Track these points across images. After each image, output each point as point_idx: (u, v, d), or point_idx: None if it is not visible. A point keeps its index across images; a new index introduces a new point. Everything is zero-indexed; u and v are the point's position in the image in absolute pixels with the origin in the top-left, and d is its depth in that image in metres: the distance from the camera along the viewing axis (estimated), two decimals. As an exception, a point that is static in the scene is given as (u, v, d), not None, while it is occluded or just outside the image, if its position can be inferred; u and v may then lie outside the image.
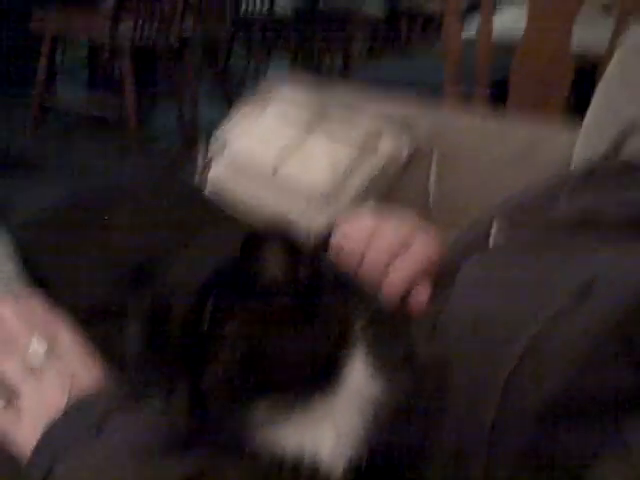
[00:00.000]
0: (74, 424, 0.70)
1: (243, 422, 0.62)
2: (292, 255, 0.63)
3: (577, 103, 2.33)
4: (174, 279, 0.64)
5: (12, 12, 3.95)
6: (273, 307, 0.62)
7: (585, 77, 2.31)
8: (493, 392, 0.70)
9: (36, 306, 0.84)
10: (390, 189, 1.49)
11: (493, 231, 0.93)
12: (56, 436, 0.70)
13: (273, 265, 0.62)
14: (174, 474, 0.64)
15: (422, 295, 0.89)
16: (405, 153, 1.51)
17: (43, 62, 3.63)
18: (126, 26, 3.55)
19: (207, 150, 1.69)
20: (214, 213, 0.96)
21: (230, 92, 4.24)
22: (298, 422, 0.63)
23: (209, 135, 1.75)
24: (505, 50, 2.47)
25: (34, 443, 0.71)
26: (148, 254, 0.68)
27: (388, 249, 0.88)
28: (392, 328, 0.70)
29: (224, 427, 0.62)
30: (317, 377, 0.63)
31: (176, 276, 0.64)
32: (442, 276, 0.91)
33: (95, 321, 0.82)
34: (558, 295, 0.73)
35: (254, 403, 0.61)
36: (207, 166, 1.61)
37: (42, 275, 0.91)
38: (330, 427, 0.65)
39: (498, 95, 2.56)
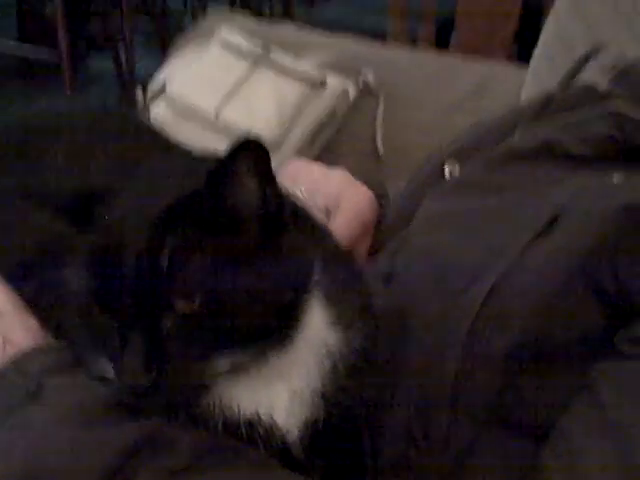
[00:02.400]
0: (9, 387, 0.65)
1: (200, 377, 0.57)
2: (261, 185, 0.57)
3: (523, 40, 2.31)
4: (125, 212, 0.57)
5: None
6: (238, 244, 0.56)
7: (532, 13, 2.28)
8: (455, 340, 0.67)
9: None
10: (338, 130, 1.44)
11: (448, 167, 0.89)
12: (-11, 401, 0.65)
13: (241, 197, 0.57)
14: (116, 442, 0.60)
15: (361, 250, 0.87)
16: (353, 92, 1.47)
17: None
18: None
19: (145, 93, 1.62)
20: (161, 143, 0.88)
21: (167, 37, 4.10)
22: (253, 379, 0.59)
23: (147, 79, 1.67)
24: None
25: None
26: (87, 190, 0.60)
27: (320, 208, 0.86)
28: (349, 274, 0.67)
29: (180, 383, 0.56)
30: (279, 324, 0.58)
31: (127, 209, 0.57)
32: (396, 216, 0.88)
33: (29, 274, 0.77)
34: (522, 231, 0.70)
35: (214, 355, 0.56)
36: (146, 108, 1.54)
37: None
38: (285, 386, 0.62)
39: (443, 33, 2.53)
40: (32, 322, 0.74)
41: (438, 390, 0.67)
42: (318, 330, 0.62)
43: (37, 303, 0.76)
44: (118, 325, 0.55)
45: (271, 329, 0.58)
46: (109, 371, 0.57)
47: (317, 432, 0.64)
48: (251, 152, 0.56)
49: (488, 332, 0.66)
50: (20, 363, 0.67)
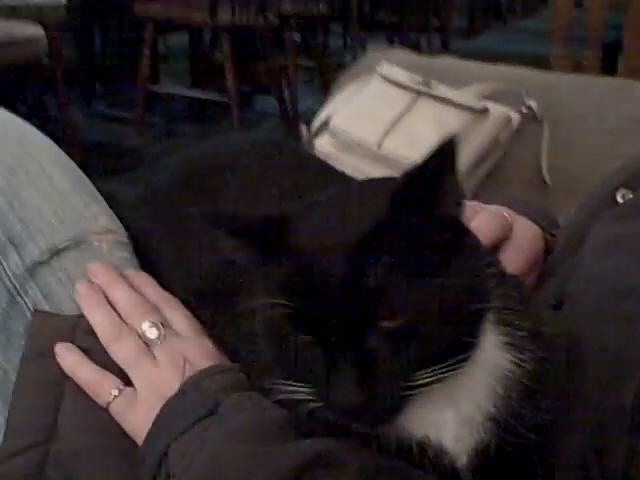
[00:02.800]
0: (189, 405, 0.69)
1: (404, 394, 0.56)
2: (458, 186, 0.56)
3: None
4: (318, 237, 0.57)
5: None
6: (435, 256, 0.55)
7: None
8: (634, 369, 0.64)
9: (148, 288, 0.84)
10: (502, 157, 1.43)
11: (620, 192, 0.86)
12: (170, 417, 0.69)
13: (442, 200, 0.56)
14: (290, 459, 0.62)
15: (529, 281, 0.85)
16: (517, 118, 1.45)
17: (147, 50, 3.69)
18: (225, 7, 3.59)
19: (309, 129, 1.67)
20: (331, 173, 0.91)
21: (328, 75, 4.22)
22: (425, 401, 0.59)
23: (310, 116, 1.72)
24: (615, 9, 2.35)
25: (149, 426, 0.70)
26: (272, 218, 0.60)
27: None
28: (519, 298, 0.66)
29: (387, 401, 0.56)
30: (464, 342, 0.57)
31: (320, 234, 0.57)
32: (566, 243, 0.86)
33: (208, 302, 0.81)
34: None
35: (415, 373, 0.55)
36: (311, 143, 1.59)
37: (154, 256, 0.90)
38: (455, 409, 0.61)
39: (610, 58, 2.44)
40: (209, 344, 0.78)
41: (615, 420, 0.64)
42: (492, 352, 0.61)
43: (214, 327, 0.80)
44: (322, 347, 0.55)
45: (460, 347, 0.57)
46: (302, 394, 0.57)
47: (487, 459, 0.63)
48: (453, 151, 0.55)
49: None
50: (199, 382, 0.71)
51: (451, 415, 0.61)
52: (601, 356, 0.67)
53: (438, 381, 0.56)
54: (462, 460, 0.63)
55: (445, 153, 0.55)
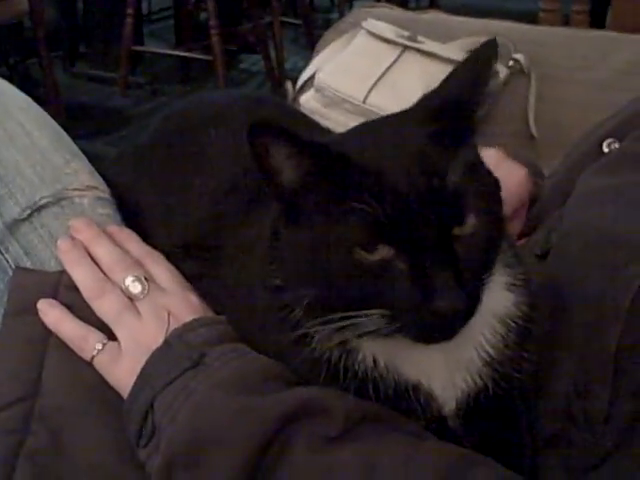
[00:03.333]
0: (173, 357, 0.69)
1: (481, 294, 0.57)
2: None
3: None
4: (384, 151, 0.57)
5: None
6: (483, 174, 0.60)
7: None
8: (616, 315, 0.64)
9: (131, 243, 0.83)
10: (488, 109, 1.41)
11: (606, 143, 0.86)
12: (155, 369, 0.69)
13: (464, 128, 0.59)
14: (274, 409, 0.62)
15: (515, 229, 0.85)
16: (504, 72, 1.43)
17: (130, 10, 3.63)
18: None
19: (294, 86, 1.66)
20: (316, 127, 0.90)
21: (314, 33, 4.17)
22: (418, 348, 0.59)
23: (296, 75, 1.71)
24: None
25: (134, 379, 0.70)
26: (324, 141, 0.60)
27: None
28: (511, 244, 0.67)
29: (477, 301, 0.56)
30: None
31: (385, 147, 0.57)
32: (552, 193, 0.85)
33: (192, 255, 0.81)
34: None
35: (491, 273, 0.58)
36: (296, 99, 1.57)
37: (137, 212, 0.89)
38: (448, 354, 0.61)
39: (598, 13, 2.42)
40: (194, 298, 0.77)
41: (598, 367, 0.64)
42: (497, 291, 0.62)
43: (200, 279, 0.79)
44: (408, 258, 0.54)
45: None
46: (372, 321, 0.55)
47: (476, 404, 0.63)
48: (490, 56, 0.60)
49: None
50: (183, 334, 0.71)
51: (444, 360, 0.62)
52: (585, 303, 0.67)
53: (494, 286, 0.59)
54: (450, 406, 0.63)
55: (483, 58, 0.59)
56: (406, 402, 0.62)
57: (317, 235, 0.57)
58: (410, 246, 0.54)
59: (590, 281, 0.68)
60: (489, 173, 0.61)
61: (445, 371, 0.62)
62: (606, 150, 0.87)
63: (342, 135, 0.65)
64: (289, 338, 0.62)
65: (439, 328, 0.55)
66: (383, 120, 0.64)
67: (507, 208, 0.84)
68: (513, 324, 0.63)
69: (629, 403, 0.63)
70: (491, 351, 0.62)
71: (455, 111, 0.58)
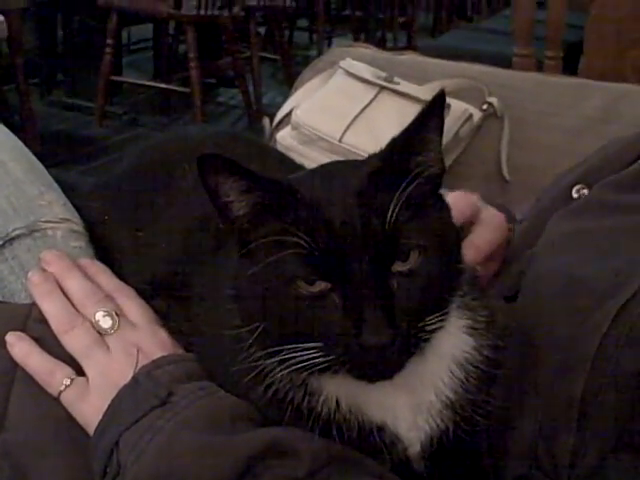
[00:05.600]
0: (141, 394, 0.68)
1: (422, 332, 0.57)
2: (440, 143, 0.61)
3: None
4: (328, 191, 0.58)
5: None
6: (430, 210, 0.60)
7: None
8: (583, 359, 0.65)
9: (103, 277, 0.83)
10: (462, 153, 1.43)
11: (576, 189, 0.87)
12: (122, 407, 0.68)
13: (429, 152, 0.60)
14: (243, 448, 0.62)
15: (490, 271, 0.86)
16: (478, 115, 1.45)
17: (110, 40, 3.64)
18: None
19: (272, 122, 1.67)
20: (290, 165, 0.91)
21: (293, 70, 4.21)
22: (382, 388, 0.59)
23: (274, 111, 1.72)
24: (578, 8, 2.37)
25: (101, 416, 0.69)
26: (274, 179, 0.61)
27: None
28: (477, 286, 0.67)
29: (410, 338, 0.56)
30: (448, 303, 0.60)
31: (329, 188, 0.59)
32: (523, 237, 0.86)
33: (163, 291, 0.80)
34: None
35: (429, 313, 0.57)
36: (273, 136, 1.58)
37: (109, 246, 0.89)
38: (410, 397, 0.62)
39: (572, 59, 2.47)
40: (164, 334, 0.77)
41: (564, 411, 0.65)
42: (456, 335, 0.63)
43: (169, 316, 0.79)
44: (342, 292, 0.55)
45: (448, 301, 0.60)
46: (309, 353, 0.56)
47: (440, 446, 0.63)
48: (441, 107, 0.60)
49: (618, 352, 0.64)
50: (152, 371, 0.70)
51: (408, 402, 0.62)
52: (553, 347, 0.68)
53: (440, 329, 0.58)
54: (415, 448, 0.63)
55: (434, 109, 0.59)
56: (371, 443, 0.62)
57: (262, 268, 0.58)
58: (345, 281, 0.55)
59: (558, 325, 0.69)
60: (445, 215, 0.63)
61: (408, 412, 0.62)
62: (575, 196, 0.89)
63: (302, 174, 0.66)
64: (253, 377, 0.62)
65: (373, 365, 0.56)
66: (345, 161, 0.66)
67: (487, 248, 0.86)
68: (473, 368, 0.63)
69: (594, 449, 0.64)
70: (451, 395, 0.62)
71: (397, 153, 0.60)
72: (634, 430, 0.63)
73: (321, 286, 0.56)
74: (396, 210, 0.56)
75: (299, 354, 0.56)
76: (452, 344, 0.63)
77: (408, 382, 0.60)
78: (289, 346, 0.56)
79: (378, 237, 0.56)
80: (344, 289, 0.56)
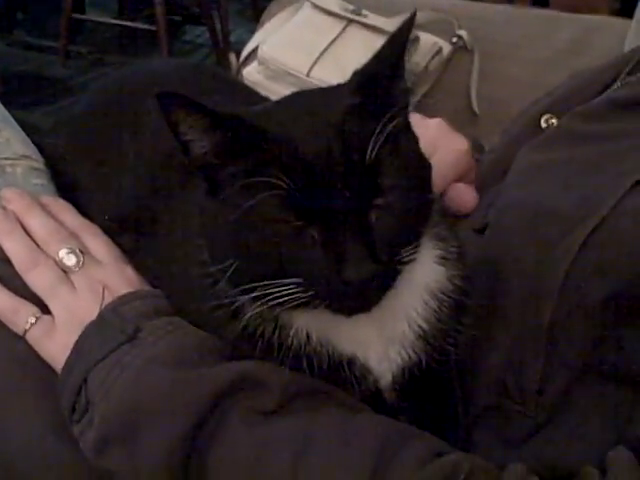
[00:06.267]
0: (107, 331, 0.67)
1: (400, 264, 0.57)
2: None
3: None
4: (302, 123, 0.56)
5: None
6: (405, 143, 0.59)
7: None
8: (550, 289, 0.65)
9: (66, 215, 0.81)
10: (431, 86, 1.42)
11: (544, 119, 0.87)
12: (89, 343, 0.68)
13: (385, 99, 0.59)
14: (210, 382, 0.61)
15: (465, 194, 0.85)
16: (448, 48, 1.44)
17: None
18: None
19: (238, 58, 1.63)
20: (255, 96, 0.89)
21: (260, 6, 4.12)
22: (351, 322, 0.59)
23: (241, 47, 1.68)
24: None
25: (68, 354, 0.68)
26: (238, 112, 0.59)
27: None
28: (445, 218, 0.67)
29: (391, 271, 0.56)
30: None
31: (303, 119, 0.57)
32: (491, 168, 0.86)
33: (128, 228, 0.79)
34: (622, 179, 0.68)
35: (406, 244, 0.57)
36: (239, 72, 1.55)
37: (72, 183, 0.87)
38: (381, 328, 0.62)
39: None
40: (130, 271, 0.76)
41: (532, 339, 0.65)
42: (429, 265, 0.63)
43: (136, 253, 0.78)
44: (321, 228, 0.55)
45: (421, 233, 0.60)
46: (289, 289, 0.55)
47: (411, 378, 0.64)
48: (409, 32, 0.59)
49: (584, 281, 0.64)
50: (118, 307, 0.69)
51: (380, 334, 0.62)
52: (521, 277, 0.68)
53: (414, 260, 0.58)
54: (386, 379, 0.64)
55: (404, 35, 0.59)
56: (341, 376, 0.62)
57: (234, 206, 0.56)
58: (324, 217, 0.54)
59: (526, 256, 0.69)
60: (416, 146, 0.62)
61: (380, 345, 0.62)
62: (544, 125, 0.88)
63: (265, 106, 0.64)
64: (223, 313, 0.61)
65: (353, 299, 0.56)
66: (311, 93, 0.64)
67: (450, 175, 0.85)
68: (446, 298, 0.64)
69: (562, 376, 0.64)
70: (424, 325, 0.63)
71: (373, 85, 0.58)
72: (601, 356, 0.64)
73: (299, 223, 0.55)
74: (377, 144, 0.55)
75: (276, 290, 0.55)
76: (425, 274, 0.63)
77: (381, 314, 0.60)
78: (266, 282, 0.55)
79: (358, 172, 0.54)
80: (324, 226, 0.55)
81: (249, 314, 0.59)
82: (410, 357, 0.63)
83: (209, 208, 0.60)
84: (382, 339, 0.63)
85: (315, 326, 0.61)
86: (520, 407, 0.66)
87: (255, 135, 0.56)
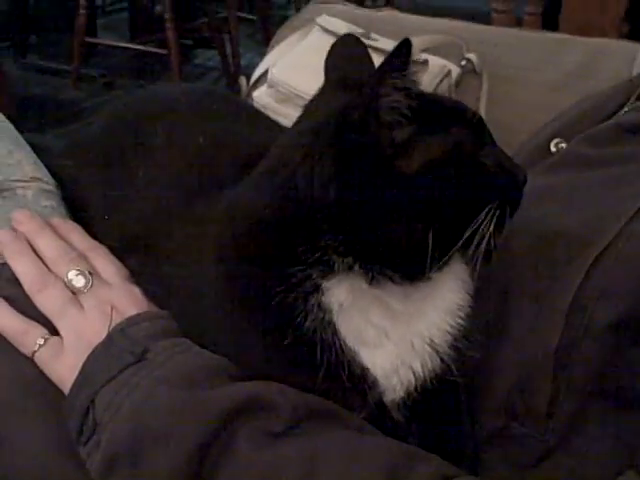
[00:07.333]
0: (115, 352, 0.67)
1: None
2: None
3: (636, 18, 2.22)
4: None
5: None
6: None
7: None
8: (558, 311, 0.65)
9: (75, 236, 0.81)
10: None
11: (554, 141, 0.87)
12: (97, 365, 0.68)
13: None
14: (218, 404, 0.61)
15: None
16: (456, 71, 1.44)
17: (83, 1, 3.56)
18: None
19: (248, 82, 1.64)
20: (265, 120, 0.90)
21: (270, 29, 4.15)
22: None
23: (252, 70, 1.69)
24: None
25: (76, 375, 0.68)
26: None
27: None
28: None
29: None
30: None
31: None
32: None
33: (136, 249, 0.79)
34: (630, 201, 0.67)
35: None
36: (249, 95, 1.56)
37: (82, 205, 0.87)
38: (393, 346, 0.62)
39: (551, 14, 2.45)
40: (137, 292, 0.76)
41: (540, 362, 0.65)
42: (452, 283, 0.64)
43: (143, 275, 0.78)
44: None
45: None
46: None
47: (420, 396, 0.63)
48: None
49: (592, 303, 0.64)
50: (126, 329, 0.69)
51: (392, 348, 0.62)
52: (528, 299, 0.68)
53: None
54: (395, 395, 0.63)
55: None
56: (355, 383, 0.62)
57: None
58: None
59: (533, 278, 0.69)
60: None
61: (391, 359, 0.62)
62: (554, 150, 0.88)
63: None
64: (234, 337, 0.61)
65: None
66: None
67: None
68: (461, 318, 0.64)
69: (572, 399, 0.64)
70: (439, 342, 0.63)
71: None
72: (613, 380, 0.63)
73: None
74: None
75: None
76: (447, 293, 0.63)
77: (404, 329, 0.61)
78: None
79: None
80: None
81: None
82: (422, 375, 0.63)
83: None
84: (397, 354, 0.62)
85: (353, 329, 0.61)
86: (529, 430, 0.65)
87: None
